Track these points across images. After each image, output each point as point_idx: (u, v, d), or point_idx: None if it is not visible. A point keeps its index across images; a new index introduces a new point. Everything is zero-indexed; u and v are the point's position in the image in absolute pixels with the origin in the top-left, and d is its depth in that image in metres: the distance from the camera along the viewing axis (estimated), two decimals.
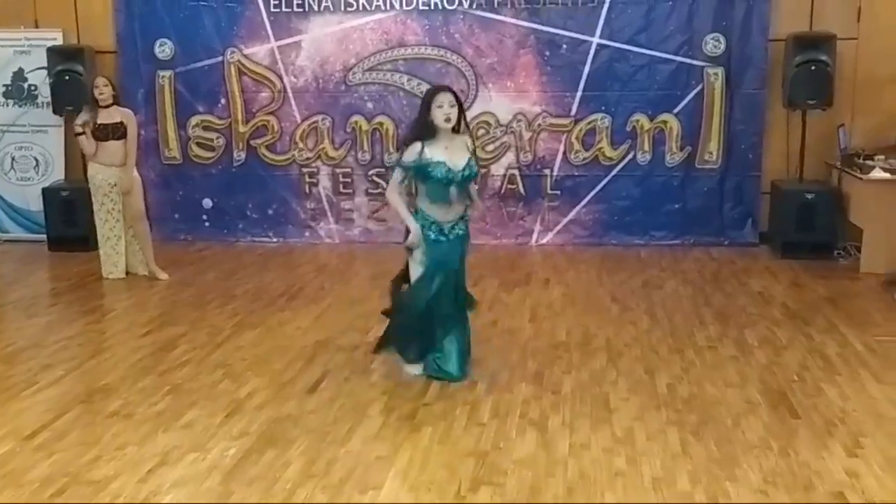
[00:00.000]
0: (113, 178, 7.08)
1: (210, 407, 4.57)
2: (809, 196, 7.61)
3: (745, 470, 3.78)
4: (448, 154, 4.60)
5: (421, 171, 4.62)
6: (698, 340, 5.52)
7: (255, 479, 3.79)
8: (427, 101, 4.62)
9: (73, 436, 4.24)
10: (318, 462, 3.92)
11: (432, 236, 4.70)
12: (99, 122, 7.00)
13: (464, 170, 4.63)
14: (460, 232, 4.78)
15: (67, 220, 8.35)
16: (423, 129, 4.61)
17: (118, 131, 7.05)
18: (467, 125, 4.87)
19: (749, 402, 4.52)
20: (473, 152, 4.73)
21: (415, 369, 4.92)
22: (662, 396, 4.61)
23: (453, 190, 4.63)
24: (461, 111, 4.63)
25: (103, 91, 7.02)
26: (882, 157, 7.37)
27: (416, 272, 4.80)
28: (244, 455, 4.01)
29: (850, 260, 7.39)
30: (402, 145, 4.80)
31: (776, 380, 4.84)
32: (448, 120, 4.55)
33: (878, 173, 7.08)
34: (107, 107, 7.04)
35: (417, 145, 4.60)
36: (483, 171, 8.38)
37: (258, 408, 4.55)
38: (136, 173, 7.25)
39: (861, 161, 7.40)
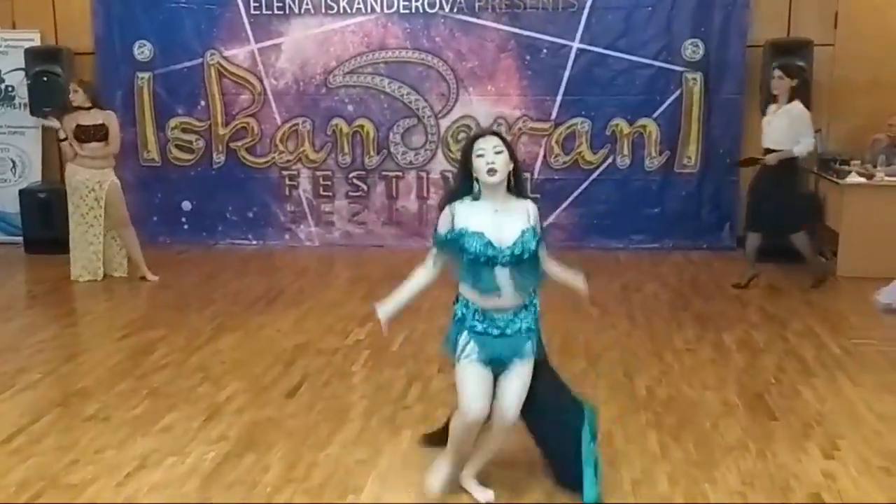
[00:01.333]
0: (92, 180, 7.05)
1: (188, 410, 4.54)
2: None
3: (724, 472, 3.81)
4: (494, 222, 3.33)
5: (454, 245, 3.36)
6: (677, 343, 5.56)
7: (234, 483, 3.77)
8: (465, 150, 3.42)
9: (50, 439, 4.20)
10: (298, 466, 3.91)
11: (478, 326, 3.39)
12: (80, 123, 7.01)
13: (514, 245, 3.31)
14: (523, 325, 3.42)
15: (44, 222, 8.27)
16: (461, 187, 3.42)
17: (100, 132, 7.05)
18: (521, 184, 3.52)
19: (727, 405, 4.55)
20: (536, 223, 3.40)
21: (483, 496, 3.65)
22: (641, 399, 4.63)
23: (500, 273, 3.33)
24: (516, 164, 3.40)
25: (73, 96, 7.06)
26: (858, 161, 7.45)
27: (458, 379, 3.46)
28: (223, 459, 3.99)
29: (826, 264, 7.45)
30: (439, 210, 3.51)
31: (754, 382, 4.88)
32: (492, 171, 3.30)
33: (853, 178, 7.16)
34: (87, 109, 7.04)
35: (450, 209, 3.40)
36: None
37: (237, 411, 4.53)
38: (115, 178, 7.21)
39: (837, 166, 7.48)
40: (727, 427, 4.27)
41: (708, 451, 4.00)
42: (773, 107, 6.74)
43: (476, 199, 3.36)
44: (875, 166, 7.34)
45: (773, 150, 6.57)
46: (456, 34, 8.25)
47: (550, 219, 8.39)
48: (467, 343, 3.38)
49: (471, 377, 3.39)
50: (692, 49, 8.05)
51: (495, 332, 3.37)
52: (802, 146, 6.53)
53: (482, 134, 3.42)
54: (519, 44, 8.20)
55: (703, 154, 8.20)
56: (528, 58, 8.21)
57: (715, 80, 8.08)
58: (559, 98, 8.23)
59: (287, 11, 8.34)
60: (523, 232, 3.34)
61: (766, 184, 6.69)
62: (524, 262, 3.33)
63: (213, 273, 7.58)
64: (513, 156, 3.38)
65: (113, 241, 7.28)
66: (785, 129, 6.51)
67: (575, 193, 8.35)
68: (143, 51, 8.55)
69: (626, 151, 8.27)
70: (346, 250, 8.39)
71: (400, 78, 8.34)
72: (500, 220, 3.33)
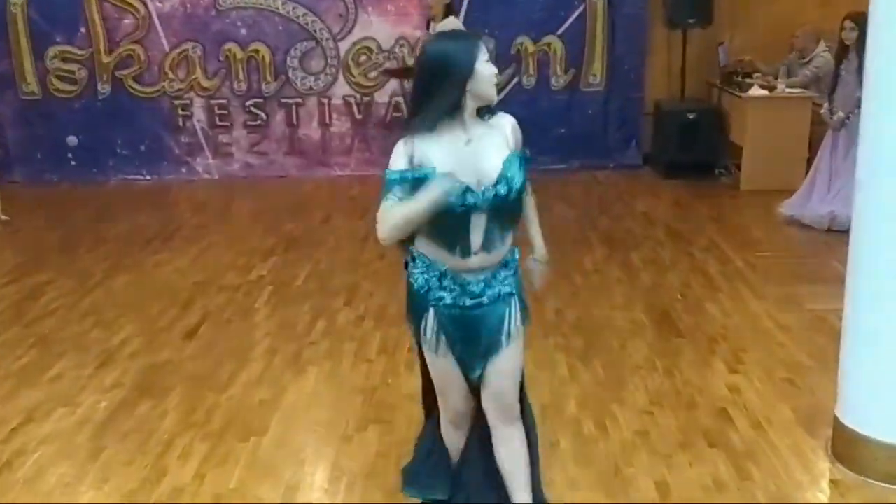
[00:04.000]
0: None
1: (79, 358, 4.31)
2: (691, 116, 7.67)
3: (632, 391, 3.81)
4: (470, 155, 2.47)
5: (416, 185, 2.42)
6: (585, 264, 5.53)
7: (129, 432, 3.60)
8: (461, 53, 2.46)
9: None
10: (198, 410, 3.75)
11: (446, 298, 2.55)
12: None
13: (498, 183, 2.47)
14: (503, 290, 2.59)
15: None
16: (450, 102, 2.46)
17: None
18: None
19: (634, 324, 4.56)
20: (519, 145, 2.59)
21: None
22: (551, 323, 4.58)
23: (476, 224, 2.48)
24: None
25: None
26: (759, 74, 7.47)
27: (426, 354, 2.68)
28: (117, 407, 3.80)
29: (730, 178, 7.52)
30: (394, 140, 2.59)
31: (660, 300, 4.89)
32: (498, 84, 2.55)
33: (755, 91, 7.18)
34: None
35: (406, 142, 2.50)
36: (367, 99, 8.17)
37: (132, 356, 4.32)
38: None
39: (739, 79, 7.49)
40: (634, 346, 4.27)
41: (616, 371, 4.00)
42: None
43: (432, 130, 2.45)
44: (776, 78, 7.37)
45: None
46: None
47: None
48: (436, 333, 2.57)
49: (446, 375, 2.64)
50: None
51: (469, 301, 2.54)
52: None
53: (480, 35, 2.57)
54: None
55: (609, 71, 8.10)
56: None
57: None
58: (462, 16, 7.95)
59: None
60: (505, 162, 2.48)
61: None
62: (507, 206, 2.49)
63: (104, 211, 7.18)
64: None
65: None
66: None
67: None
68: None
69: (531, 71, 8.12)
70: (246, 182, 8.07)
71: None
72: (476, 152, 2.47)
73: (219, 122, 8.22)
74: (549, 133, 8.18)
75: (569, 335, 4.42)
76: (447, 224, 2.45)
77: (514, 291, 2.61)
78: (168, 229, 6.57)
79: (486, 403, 2.65)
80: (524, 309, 2.65)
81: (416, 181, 2.41)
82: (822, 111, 6.29)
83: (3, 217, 6.80)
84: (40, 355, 4.36)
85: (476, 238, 2.48)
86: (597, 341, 4.34)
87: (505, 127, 2.58)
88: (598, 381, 3.91)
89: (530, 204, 2.74)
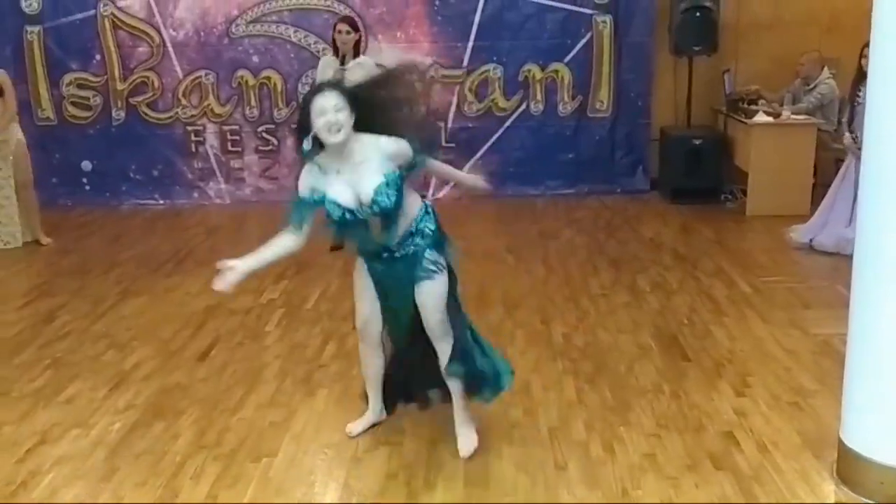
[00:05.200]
0: None
1: (93, 380, 4.35)
2: (697, 142, 7.76)
3: (639, 414, 3.84)
4: (345, 183, 3.17)
5: (316, 209, 3.24)
6: (592, 288, 5.58)
7: (142, 453, 3.63)
8: (305, 107, 3.18)
9: None
10: (209, 432, 3.79)
11: (368, 249, 3.41)
12: None
13: (375, 198, 3.13)
14: (410, 251, 3.33)
15: None
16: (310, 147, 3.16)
17: None
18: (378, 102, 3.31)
19: (641, 348, 4.59)
20: (390, 161, 3.18)
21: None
22: (558, 346, 4.63)
23: (372, 221, 3.23)
24: (375, 91, 3.32)
25: None
26: (764, 101, 7.55)
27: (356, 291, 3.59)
28: (130, 428, 3.84)
29: (736, 203, 7.58)
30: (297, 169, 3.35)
31: (667, 324, 4.93)
32: (337, 129, 3.11)
33: (761, 117, 7.25)
34: None
35: (311, 167, 3.21)
36: None
37: (145, 378, 4.37)
38: (20, 135, 6.88)
39: (745, 106, 7.57)
40: (642, 370, 4.30)
41: (623, 394, 4.03)
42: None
43: (323, 157, 3.19)
44: (782, 105, 7.45)
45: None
46: None
47: (465, 168, 8.27)
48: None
49: (361, 284, 3.52)
50: None
51: (385, 256, 3.37)
52: None
53: (317, 91, 3.19)
54: None
55: (615, 98, 8.20)
56: (437, 3, 8.04)
57: (624, 22, 8.05)
58: (470, 44, 8.10)
59: None
60: (377, 188, 3.14)
61: None
62: (389, 213, 3.20)
63: (117, 235, 7.28)
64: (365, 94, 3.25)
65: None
66: None
67: (490, 141, 8.28)
68: (30, 3, 8.07)
69: (539, 97, 8.22)
70: (257, 207, 8.15)
71: (305, 26, 8.07)
72: (352, 182, 3.17)
73: (231, 148, 8.33)
74: (556, 158, 8.29)
75: (576, 359, 4.46)
76: (351, 228, 3.28)
77: (419, 251, 3.32)
78: (180, 253, 6.65)
79: (424, 324, 3.42)
80: (440, 257, 3.36)
81: (315, 204, 3.22)
82: (845, 140, 6.29)
83: (46, 240, 6.91)
84: (55, 377, 4.41)
85: (375, 230, 3.27)
86: (604, 364, 4.38)
87: (386, 149, 3.19)
88: (605, 403, 3.94)
89: (440, 166, 3.55)
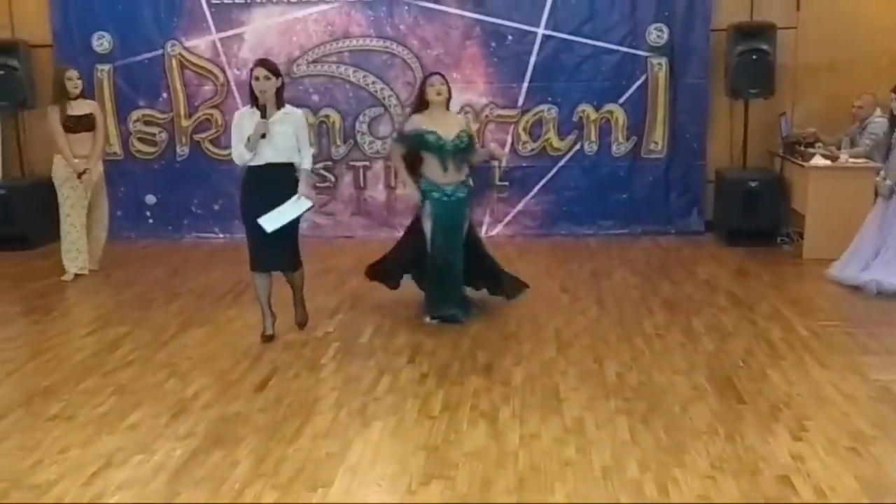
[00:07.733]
0: (79, 168, 6.94)
1: (155, 407, 4.47)
2: (753, 184, 7.72)
3: (693, 456, 3.81)
4: (439, 125, 5.54)
5: (417, 139, 5.56)
6: (646, 329, 5.57)
7: (202, 479, 3.71)
8: (422, 84, 5.75)
9: (13, 440, 4.12)
10: (267, 460, 3.86)
11: (436, 195, 5.57)
12: (71, 114, 6.90)
13: (455, 139, 5.53)
14: (462, 194, 5.63)
15: (5, 219, 8.11)
16: (419, 104, 5.66)
17: (89, 122, 6.99)
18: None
19: (696, 389, 4.57)
20: (467, 129, 5.74)
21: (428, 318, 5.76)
22: (612, 385, 4.63)
23: (446, 157, 5.53)
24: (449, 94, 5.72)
25: (77, 84, 6.95)
26: (822, 144, 7.50)
27: (426, 228, 5.65)
28: (191, 455, 3.93)
29: (793, 246, 7.51)
30: (403, 122, 6.09)
31: (723, 366, 4.90)
32: (439, 94, 5.56)
33: (818, 160, 7.21)
34: (75, 99, 6.95)
35: (415, 117, 5.64)
36: None
37: (205, 407, 4.47)
38: (101, 169, 7.18)
39: (802, 148, 7.53)
40: (697, 411, 4.28)
41: (678, 435, 4.01)
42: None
43: (426, 111, 5.65)
44: (839, 148, 7.40)
45: None
46: (420, 21, 8.20)
47: (519, 206, 8.39)
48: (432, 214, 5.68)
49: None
50: (657, 34, 8.07)
51: (444, 199, 5.59)
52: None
53: (432, 74, 5.84)
54: (484, 30, 8.17)
55: (670, 139, 8.22)
56: (493, 45, 8.18)
57: (680, 64, 8.10)
58: (525, 85, 8.21)
59: (248, 0, 8.24)
60: (460, 132, 5.60)
61: None
62: (456, 151, 5.57)
63: (179, 267, 7.48)
64: (449, 91, 5.67)
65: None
66: None
67: (543, 180, 8.35)
68: (101, 42, 8.40)
69: (593, 137, 8.27)
70: (314, 241, 8.26)
71: (365, 67, 8.27)
72: (441, 124, 5.58)
73: None
74: (610, 198, 8.32)
75: (630, 398, 4.46)
76: (433, 156, 5.60)
77: (468, 197, 5.74)
78: (239, 286, 6.79)
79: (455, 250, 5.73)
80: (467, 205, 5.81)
81: (416, 136, 5.63)
82: (877, 178, 6.28)
83: (90, 268, 7.13)
84: (118, 404, 4.54)
85: (445, 165, 5.62)
86: (658, 405, 4.36)
87: (459, 117, 6.30)
88: (659, 444, 3.93)
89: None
